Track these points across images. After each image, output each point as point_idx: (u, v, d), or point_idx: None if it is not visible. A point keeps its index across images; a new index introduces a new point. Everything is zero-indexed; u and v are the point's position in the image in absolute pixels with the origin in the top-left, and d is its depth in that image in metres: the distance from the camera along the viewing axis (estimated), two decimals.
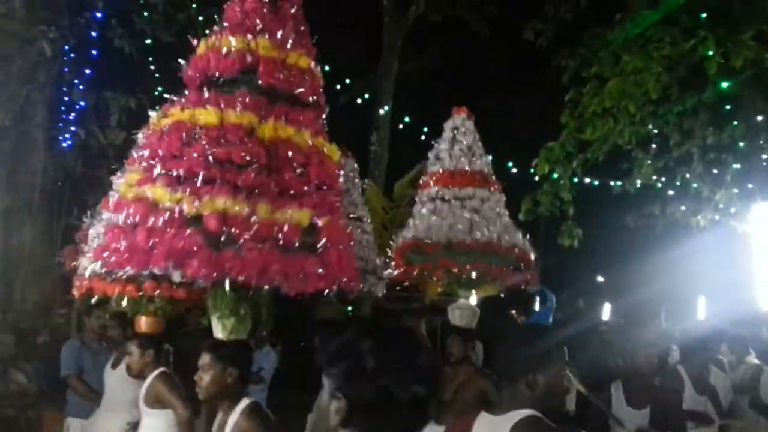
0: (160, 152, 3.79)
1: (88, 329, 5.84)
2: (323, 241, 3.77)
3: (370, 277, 7.45)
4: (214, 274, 3.44)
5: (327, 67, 13.85)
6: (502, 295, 7.95)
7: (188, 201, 3.54)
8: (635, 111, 7.96)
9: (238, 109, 3.78)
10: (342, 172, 4.40)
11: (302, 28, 4.38)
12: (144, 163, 3.90)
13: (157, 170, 3.73)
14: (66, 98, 8.14)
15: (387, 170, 14.54)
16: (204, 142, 3.68)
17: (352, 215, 8.27)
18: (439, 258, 6.45)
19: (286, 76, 4.05)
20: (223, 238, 3.52)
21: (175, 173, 3.68)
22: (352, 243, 4.24)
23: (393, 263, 6.97)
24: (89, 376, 5.62)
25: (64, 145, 7.89)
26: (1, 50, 6.97)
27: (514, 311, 12.25)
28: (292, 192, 3.80)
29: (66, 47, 7.62)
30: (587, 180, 10.26)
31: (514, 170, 13.67)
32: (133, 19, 7.77)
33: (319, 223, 3.78)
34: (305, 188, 3.86)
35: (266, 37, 4.08)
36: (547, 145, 8.56)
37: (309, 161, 3.92)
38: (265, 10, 4.17)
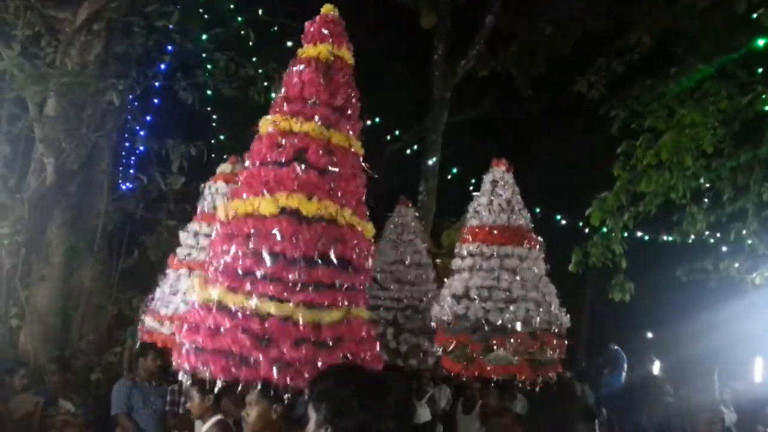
0: (223, 251, 4.15)
1: (141, 369, 5.97)
2: (348, 333, 4.06)
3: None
4: (259, 375, 3.70)
5: (378, 119, 14.26)
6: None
7: (244, 300, 3.89)
8: (691, 164, 7.88)
9: (289, 187, 4.14)
10: (370, 250, 4.63)
11: (352, 95, 4.72)
12: (209, 261, 4.30)
13: (218, 270, 4.11)
14: (129, 144, 8.55)
15: (434, 219, 14.63)
16: (260, 239, 4.03)
17: (417, 263, 8.40)
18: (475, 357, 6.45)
19: (332, 156, 4.40)
20: (267, 339, 3.81)
21: (237, 274, 4.03)
22: (372, 329, 4.47)
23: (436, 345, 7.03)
24: (138, 415, 5.73)
25: (126, 188, 8.23)
26: (74, 100, 7.38)
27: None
28: (328, 285, 4.08)
29: (131, 97, 8.05)
30: (638, 233, 10.11)
31: (563, 222, 13.57)
32: (197, 73, 8.16)
33: (351, 316, 4.08)
34: (340, 279, 4.13)
35: (317, 113, 4.45)
36: (600, 195, 8.50)
37: (347, 243, 4.20)
38: (318, 80, 4.53)
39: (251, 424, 3.36)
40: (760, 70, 7.87)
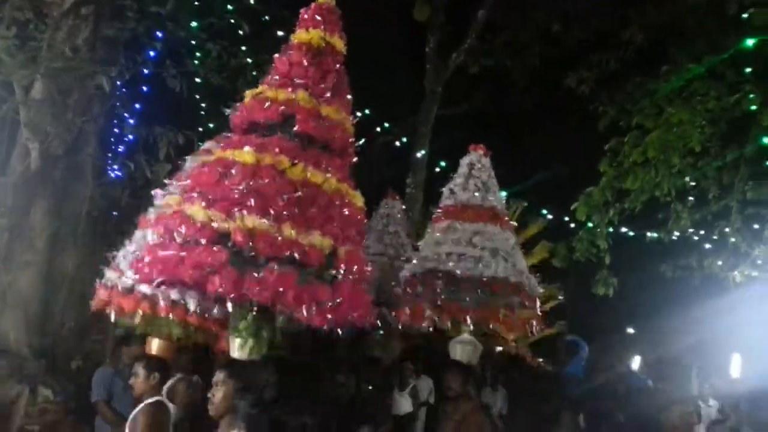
0: (200, 182, 4.12)
1: (125, 355, 5.93)
2: (340, 272, 4.01)
3: None
4: (234, 291, 3.67)
5: (368, 111, 14.21)
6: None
7: (220, 218, 3.84)
8: (677, 163, 7.96)
9: (274, 151, 4.10)
10: (361, 216, 4.62)
11: (342, 82, 4.73)
12: (184, 190, 4.23)
13: (195, 194, 4.04)
14: (116, 131, 8.46)
15: (422, 212, 14.65)
16: (240, 177, 4.01)
17: (402, 257, 8.43)
18: (442, 296, 6.47)
19: (320, 126, 4.38)
20: (247, 256, 3.78)
21: (211, 197, 4.00)
22: (368, 278, 4.43)
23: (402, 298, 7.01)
24: (119, 403, 5.68)
25: (113, 175, 8.16)
26: (61, 84, 7.29)
27: (542, 360, 12.08)
28: (316, 224, 4.07)
29: (119, 83, 7.96)
30: (623, 229, 10.19)
31: (550, 216, 13.62)
32: (187, 61, 8.09)
33: (340, 252, 4.03)
34: (330, 225, 4.13)
35: (306, 89, 4.44)
36: (586, 191, 8.57)
37: (332, 203, 4.18)
38: (308, 63, 4.54)
39: (216, 406, 3.32)
40: (749, 70, 7.94)
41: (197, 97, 8.86)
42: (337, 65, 4.78)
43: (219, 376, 3.37)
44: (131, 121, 8.29)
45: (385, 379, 7.28)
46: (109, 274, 5.46)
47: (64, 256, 7.78)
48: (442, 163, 15.96)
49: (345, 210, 4.28)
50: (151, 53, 7.92)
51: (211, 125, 8.65)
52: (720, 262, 9.50)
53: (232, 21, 8.73)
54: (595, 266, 9.24)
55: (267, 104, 4.38)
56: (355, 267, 4.16)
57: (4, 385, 5.89)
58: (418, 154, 14.88)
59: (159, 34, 7.93)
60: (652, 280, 12.48)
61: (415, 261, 7.09)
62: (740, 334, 10.07)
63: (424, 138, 14.98)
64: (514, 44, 14.95)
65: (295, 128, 4.35)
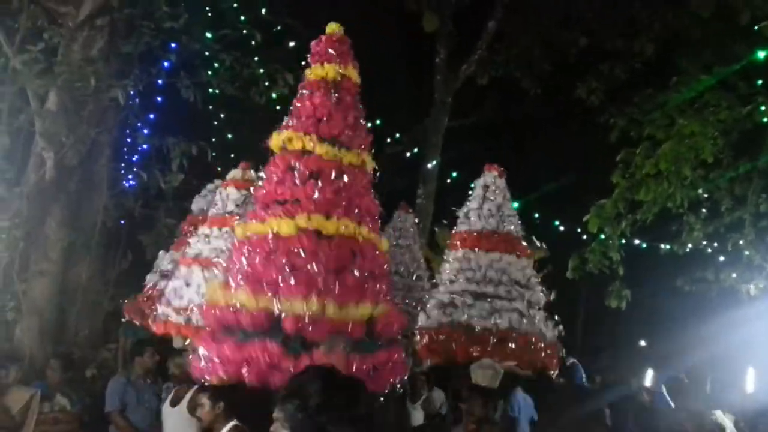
0: (243, 263, 4.29)
1: (137, 366, 5.94)
2: (379, 331, 4.13)
3: None
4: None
5: (378, 122, 14.24)
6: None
7: (269, 304, 4.00)
8: (689, 174, 7.91)
9: (307, 208, 4.30)
10: (387, 262, 4.78)
11: (359, 116, 4.81)
12: (228, 271, 4.43)
13: (240, 278, 4.22)
14: (129, 141, 8.53)
15: (432, 223, 14.63)
16: (281, 255, 4.18)
17: (412, 271, 8.43)
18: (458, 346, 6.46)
19: (346, 177, 4.50)
20: (296, 343, 3.86)
21: (260, 283, 4.15)
22: (401, 330, 4.55)
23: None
24: (133, 413, 5.69)
25: (125, 185, 8.22)
26: (76, 95, 7.37)
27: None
28: (354, 288, 4.22)
29: (133, 93, 8.03)
30: (636, 241, 10.13)
31: (562, 228, 13.59)
32: (201, 72, 8.17)
33: (377, 314, 4.16)
34: (364, 285, 4.23)
35: (329, 132, 4.53)
36: (598, 202, 8.52)
37: (365, 257, 4.35)
38: (328, 103, 4.63)
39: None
40: (760, 81, 7.90)
41: (210, 107, 8.92)
42: (354, 96, 4.89)
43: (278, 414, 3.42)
44: (145, 131, 8.36)
45: (399, 390, 7.26)
46: (162, 310, 5.94)
47: (79, 266, 7.84)
48: (454, 174, 15.97)
49: (374, 261, 4.41)
50: (165, 64, 8.00)
51: (227, 136, 8.74)
52: (734, 275, 9.42)
53: (245, 32, 8.80)
54: (608, 278, 9.18)
55: (295, 165, 4.47)
56: (394, 325, 4.32)
57: (14, 390, 5.90)
58: (429, 165, 14.87)
59: (173, 45, 8.00)
60: (667, 293, 12.39)
61: (430, 304, 7.06)
62: (755, 347, 9.97)
63: (434, 148, 14.98)
64: (524, 54, 14.96)
65: (322, 183, 4.44)
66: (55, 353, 7.00)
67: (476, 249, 6.95)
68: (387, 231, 8.81)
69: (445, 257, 7.36)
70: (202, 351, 4.16)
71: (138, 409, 5.71)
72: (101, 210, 7.80)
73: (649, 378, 11.62)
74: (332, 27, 4.96)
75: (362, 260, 4.32)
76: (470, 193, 8.28)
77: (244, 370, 3.89)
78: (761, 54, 7.76)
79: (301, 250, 4.16)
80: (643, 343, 18.18)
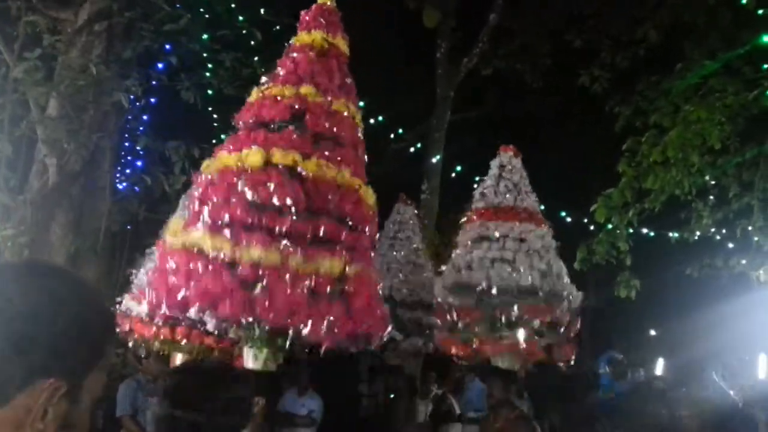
0: (207, 198, 4.05)
1: (143, 369, 5.94)
2: (351, 288, 3.91)
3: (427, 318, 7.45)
4: (243, 314, 3.60)
5: (381, 118, 14.15)
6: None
7: (227, 248, 3.75)
8: (697, 161, 7.83)
9: (283, 147, 4.03)
10: (372, 214, 4.53)
11: (347, 80, 4.67)
12: (192, 210, 4.16)
13: (204, 216, 3.97)
14: (131, 144, 8.50)
15: (437, 218, 14.59)
16: (247, 189, 3.89)
17: (412, 262, 8.34)
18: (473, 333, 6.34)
19: (331, 121, 4.31)
20: (256, 283, 3.70)
21: (218, 221, 3.92)
22: (378, 291, 4.36)
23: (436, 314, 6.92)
24: (143, 415, 5.70)
25: (129, 190, 8.19)
26: (76, 101, 7.34)
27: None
28: (326, 239, 3.97)
29: (133, 97, 8.00)
30: (644, 230, 10.06)
31: (568, 219, 13.52)
32: (200, 73, 8.12)
33: (349, 272, 3.94)
34: (340, 234, 4.03)
35: (313, 86, 4.37)
36: (605, 192, 8.45)
37: (345, 201, 4.10)
38: (313, 63, 4.49)
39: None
40: (766, 66, 7.82)
41: (210, 109, 8.88)
42: (342, 65, 4.73)
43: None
44: (146, 135, 8.32)
45: (407, 387, 7.23)
46: (127, 302, 5.59)
47: (84, 272, 7.79)
48: (458, 168, 15.91)
49: (357, 209, 4.19)
50: (165, 66, 7.96)
51: (223, 136, 8.66)
52: (744, 261, 9.34)
53: (245, 31, 8.74)
54: (616, 268, 9.11)
55: (275, 100, 4.30)
56: (368, 285, 4.09)
57: None
58: (433, 160, 14.82)
59: (172, 47, 7.96)
60: (676, 281, 12.31)
61: (446, 273, 6.98)
62: (766, 334, 9.89)
63: (438, 143, 14.93)
64: (526, 47, 14.88)
65: (306, 124, 4.26)
66: None
67: (492, 221, 6.86)
68: (387, 224, 8.75)
69: (460, 233, 7.28)
70: (151, 287, 3.97)
71: (148, 411, 5.72)
72: (105, 215, 7.77)
73: (660, 367, 11.55)
74: None
75: (340, 208, 4.05)
76: (474, 186, 8.22)
77: (190, 300, 3.71)
78: (766, 38, 7.68)
79: (270, 186, 3.88)
80: (653, 332, 18.12)
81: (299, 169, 4.03)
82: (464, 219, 7.29)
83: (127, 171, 8.40)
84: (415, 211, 9.29)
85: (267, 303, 3.69)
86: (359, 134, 4.63)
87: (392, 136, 15.71)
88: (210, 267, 3.77)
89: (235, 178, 4.03)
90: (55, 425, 0.89)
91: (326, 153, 4.21)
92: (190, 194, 4.38)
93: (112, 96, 7.18)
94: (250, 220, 3.88)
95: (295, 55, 4.60)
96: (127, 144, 8.56)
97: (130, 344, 7.70)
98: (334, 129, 4.34)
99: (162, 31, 7.61)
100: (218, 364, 2.69)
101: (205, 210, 4.01)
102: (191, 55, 8.12)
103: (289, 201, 3.91)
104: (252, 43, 8.84)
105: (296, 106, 4.30)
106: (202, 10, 8.41)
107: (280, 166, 4.00)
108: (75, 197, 7.65)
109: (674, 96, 8.01)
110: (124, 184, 8.34)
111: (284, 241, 3.82)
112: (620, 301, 9.55)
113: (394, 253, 8.48)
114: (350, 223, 4.16)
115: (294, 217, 3.90)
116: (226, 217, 3.94)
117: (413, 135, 16.02)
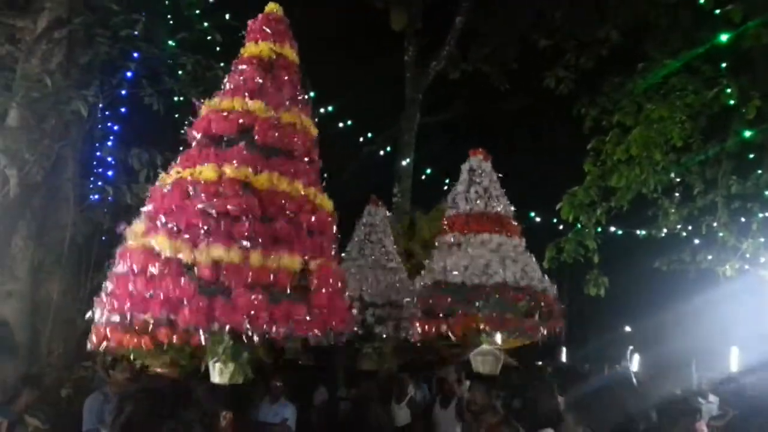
0: (163, 207, 4.03)
1: (111, 382, 5.83)
2: (314, 285, 3.91)
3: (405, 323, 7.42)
4: (205, 321, 3.58)
5: (351, 122, 14.15)
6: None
7: (186, 250, 3.73)
8: (660, 159, 7.96)
9: (235, 163, 4.03)
10: (331, 220, 4.52)
11: (297, 92, 4.66)
12: (149, 217, 4.12)
13: (159, 222, 3.95)
14: (97, 154, 8.35)
15: (409, 220, 14.61)
16: (203, 196, 3.91)
17: (388, 265, 8.31)
18: (456, 309, 6.34)
19: (281, 134, 4.30)
20: (216, 287, 3.69)
21: (175, 226, 3.91)
22: (343, 287, 4.33)
23: (415, 316, 6.89)
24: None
25: (94, 199, 8.04)
26: (36, 110, 7.21)
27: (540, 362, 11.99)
28: (284, 240, 3.97)
29: (102, 106, 7.87)
30: (612, 228, 10.19)
31: (538, 219, 13.63)
32: (163, 79, 8.02)
33: (311, 266, 3.94)
34: (298, 235, 4.04)
35: (262, 100, 4.36)
36: (570, 190, 8.54)
37: (301, 209, 4.11)
38: (261, 75, 4.47)
39: None
40: (724, 64, 7.97)
41: (176, 115, 8.78)
42: (291, 75, 4.71)
43: None
44: (109, 143, 8.19)
45: (382, 392, 7.21)
46: (97, 312, 5.42)
47: (49, 284, 7.66)
48: (428, 171, 15.98)
49: (314, 217, 4.20)
50: (127, 74, 7.85)
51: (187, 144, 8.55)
52: (710, 257, 9.51)
53: (207, 35, 8.65)
54: (589, 267, 9.21)
55: (224, 115, 4.29)
56: (330, 279, 4.06)
57: None
58: (403, 163, 14.87)
59: (133, 54, 7.84)
60: (647, 278, 12.48)
61: (423, 275, 6.99)
62: (736, 327, 10.07)
63: (408, 146, 14.99)
64: (493, 49, 15.00)
65: (255, 138, 4.26)
66: (21, 376, 6.85)
67: (465, 232, 6.89)
68: (358, 227, 8.70)
69: (436, 242, 7.29)
70: (114, 291, 3.94)
71: None
72: (70, 225, 7.63)
73: (635, 363, 11.68)
74: (272, 6, 4.86)
75: (295, 214, 4.10)
76: (445, 188, 8.25)
77: (153, 306, 3.70)
78: (724, 37, 7.83)
79: (224, 194, 3.95)
80: (628, 328, 18.34)
81: (253, 185, 4.04)
82: (444, 225, 7.30)
83: (92, 181, 8.23)
84: (387, 213, 9.24)
85: (227, 305, 3.67)
86: (313, 144, 4.61)
87: (361, 139, 15.73)
88: (167, 270, 3.75)
89: (189, 187, 4.02)
90: None
91: (278, 166, 4.21)
92: (147, 203, 4.33)
93: (71, 105, 7.05)
94: (206, 227, 3.85)
95: (243, 67, 4.57)
96: (98, 154, 8.40)
97: (98, 357, 7.60)
98: (285, 141, 4.33)
99: (119, 37, 7.50)
100: (170, 388, 2.64)
101: (162, 217, 3.99)
102: (153, 61, 8.01)
103: (245, 207, 3.91)
104: (218, 49, 8.76)
105: (245, 122, 4.28)
106: (163, 15, 8.32)
107: (234, 178, 4.00)
108: (37, 208, 7.50)
109: (637, 95, 8.14)
110: (96, 195, 8.18)
111: (243, 242, 3.81)
112: (594, 300, 9.67)
113: (365, 255, 8.43)
114: (308, 229, 4.16)
115: (249, 223, 3.90)
116: (183, 223, 3.91)
117: (384, 137, 16.06)
